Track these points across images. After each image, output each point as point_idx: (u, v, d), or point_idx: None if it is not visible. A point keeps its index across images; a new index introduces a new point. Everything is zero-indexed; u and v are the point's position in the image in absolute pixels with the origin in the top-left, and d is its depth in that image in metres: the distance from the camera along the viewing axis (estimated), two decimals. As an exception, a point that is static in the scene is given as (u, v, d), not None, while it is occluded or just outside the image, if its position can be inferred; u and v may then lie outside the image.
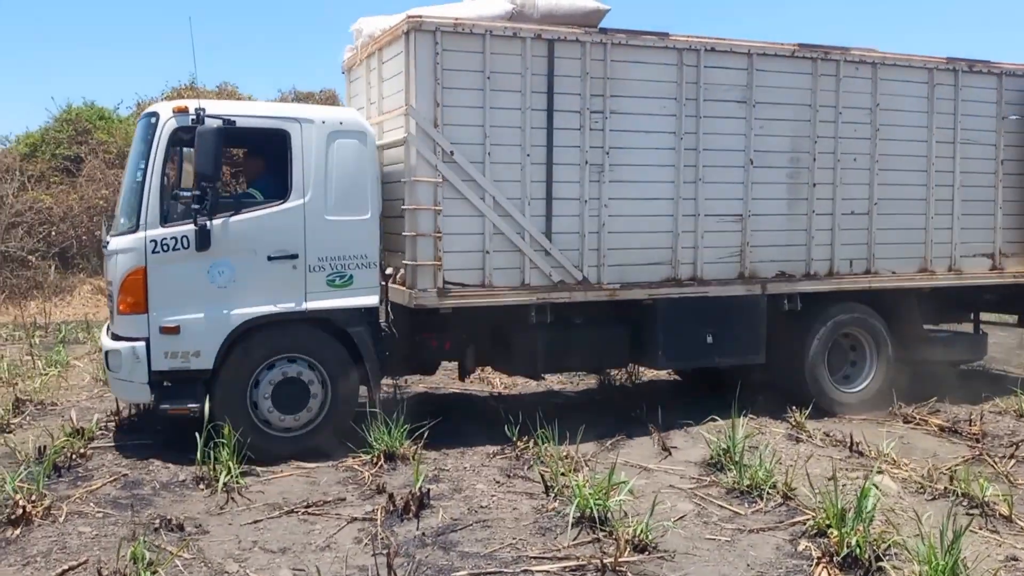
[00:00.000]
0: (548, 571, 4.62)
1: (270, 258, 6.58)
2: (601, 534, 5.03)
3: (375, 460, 6.40)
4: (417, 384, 9.56)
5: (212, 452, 5.97)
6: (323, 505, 5.60)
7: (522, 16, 7.23)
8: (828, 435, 7.43)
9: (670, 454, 6.88)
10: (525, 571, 4.61)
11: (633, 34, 7.46)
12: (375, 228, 6.96)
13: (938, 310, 9.11)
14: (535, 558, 4.78)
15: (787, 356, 8.25)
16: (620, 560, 4.63)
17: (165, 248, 6.38)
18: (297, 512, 5.48)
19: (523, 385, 9.90)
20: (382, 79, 7.59)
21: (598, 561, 4.62)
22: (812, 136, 8.12)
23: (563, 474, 5.86)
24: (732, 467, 6.15)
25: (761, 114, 7.90)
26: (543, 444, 6.46)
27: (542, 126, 7.17)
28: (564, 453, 6.43)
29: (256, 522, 5.32)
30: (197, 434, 6.06)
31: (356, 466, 6.42)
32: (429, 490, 5.66)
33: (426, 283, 6.89)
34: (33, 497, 5.29)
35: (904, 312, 8.77)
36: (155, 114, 6.61)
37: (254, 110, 7.05)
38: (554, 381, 10.15)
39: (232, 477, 5.82)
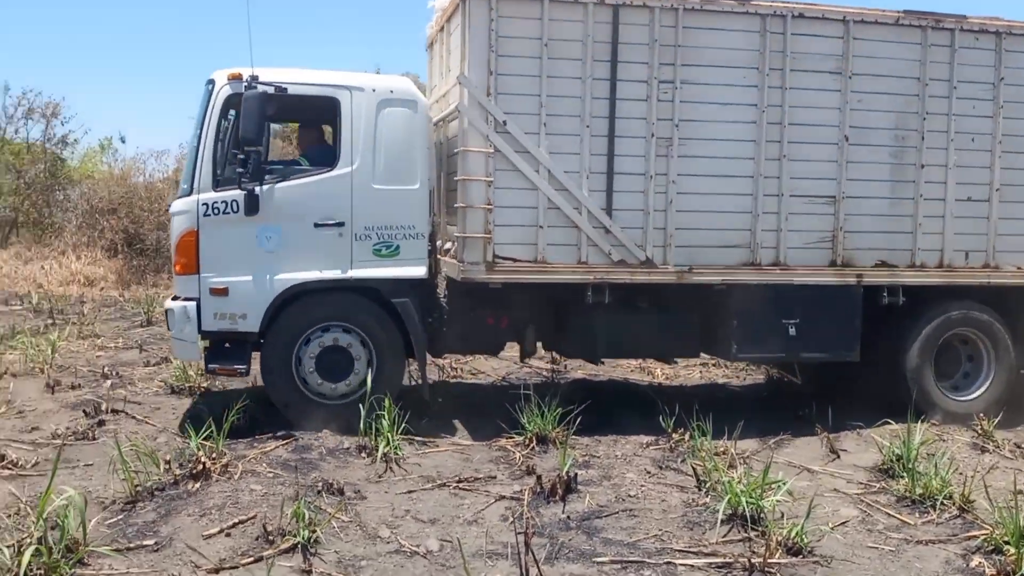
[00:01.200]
0: (693, 565, 4.50)
1: (316, 225, 6.66)
2: (752, 533, 4.83)
3: (527, 442, 6.46)
4: (576, 370, 9.58)
5: (375, 423, 6.24)
6: (474, 481, 5.73)
7: None
8: (1020, 446, 6.79)
9: (838, 457, 6.53)
10: (668, 563, 4.51)
11: None
12: (424, 198, 6.90)
13: None
14: (680, 551, 4.67)
15: (886, 356, 7.50)
16: (770, 561, 4.44)
17: (216, 211, 6.58)
18: (449, 486, 5.63)
19: (684, 376, 9.70)
20: (449, 51, 7.45)
21: (746, 560, 4.44)
22: (920, 112, 7.28)
23: (716, 469, 5.68)
24: (904, 474, 5.75)
25: (859, 87, 7.15)
26: (699, 438, 6.29)
27: (604, 96, 6.80)
28: (721, 448, 6.25)
29: (410, 492, 5.52)
30: (361, 405, 6.37)
31: (509, 446, 6.51)
32: (577, 475, 5.65)
33: (475, 256, 6.71)
34: (213, 455, 5.72)
35: None
36: (212, 81, 6.77)
37: (306, 78, 6.99)
38: (719, 374, 9.89)
39: (391, 448, 6.06)
